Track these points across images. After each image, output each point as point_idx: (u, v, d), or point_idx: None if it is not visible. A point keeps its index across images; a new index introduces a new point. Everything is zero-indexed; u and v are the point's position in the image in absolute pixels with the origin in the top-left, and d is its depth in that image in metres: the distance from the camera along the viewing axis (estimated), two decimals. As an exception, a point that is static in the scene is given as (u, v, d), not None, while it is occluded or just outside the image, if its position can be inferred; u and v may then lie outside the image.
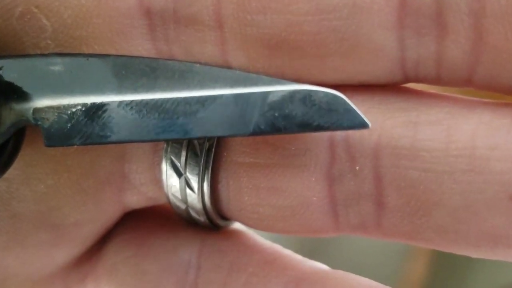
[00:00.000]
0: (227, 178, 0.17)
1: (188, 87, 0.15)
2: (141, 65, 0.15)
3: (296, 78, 0.16)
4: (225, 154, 0.17)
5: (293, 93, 0.14)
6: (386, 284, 0.17)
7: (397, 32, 0.15)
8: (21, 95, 0.15)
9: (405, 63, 0.15)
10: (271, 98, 0.14)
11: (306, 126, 0.14)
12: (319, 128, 0.14)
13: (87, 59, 0.15)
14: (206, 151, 0.17)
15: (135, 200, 0.18)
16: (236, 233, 0.19)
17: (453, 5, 0.15)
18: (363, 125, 0.14)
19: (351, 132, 0.16)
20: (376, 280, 0.18)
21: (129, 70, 0.15)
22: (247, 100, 0.15)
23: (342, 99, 0.14)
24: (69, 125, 0.15)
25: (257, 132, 0.15)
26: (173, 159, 0.17)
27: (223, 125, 0.15)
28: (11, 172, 0.17)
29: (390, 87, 0.16)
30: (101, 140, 0.15)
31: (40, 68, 0.15)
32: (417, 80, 0.16)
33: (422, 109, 0.16)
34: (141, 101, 0.15)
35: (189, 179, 0.17)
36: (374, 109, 0.16)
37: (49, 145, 0.15)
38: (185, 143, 0.17)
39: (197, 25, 0.16)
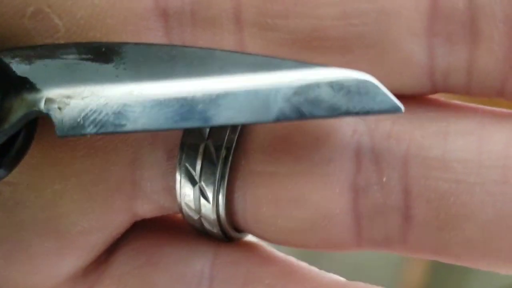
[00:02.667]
0: (244, 188, 0.16)
1: (208, 73, 0.14)
2: (159, 52, 0.15)
3: None
4: (243, 162, 0.16)
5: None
6: None
7: (427, 39, 0.15)
8: (33, 86, 0.15)
9: (434, 72, 0.15)
10: (296, 82, 0.14)
11: (334, 111, 0.14)
12: (348, 113, 0.14)
13: (103, 48, 0.15)
14: (223, 160, 0.16)
15: (145, 208, 0.17)
16: (249, 245, 0.18)
17: (488, 11, 0.14)
18: (395, 109, 0.13)
19: (378, 142, 0.15)
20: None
21: (147, 57, 0.15)
22: (271, 84, 0.14)
23: (372, 82, 0.14)
24: (82, 114, 0.14)
25: (281, 118, 0.14)
26: (188, 167, 0.16)
27: (245, 112, 0.14)
28: (16, 175, 0.16)
29: (418, 97, 0.16)
30: (116, 129, 0.14)
31: (52, 58, 0.15)
32: (446, 89, 0.15)
33: (452, 119, 0.15)
34: (159, 87, 0.14)
35: (204, 189, 0.16)
36: (402, 118, 0.15)
37: (61, 135, 0.15)
38: (201, 150, 0.16)
39: (215, 29, 0.15)
